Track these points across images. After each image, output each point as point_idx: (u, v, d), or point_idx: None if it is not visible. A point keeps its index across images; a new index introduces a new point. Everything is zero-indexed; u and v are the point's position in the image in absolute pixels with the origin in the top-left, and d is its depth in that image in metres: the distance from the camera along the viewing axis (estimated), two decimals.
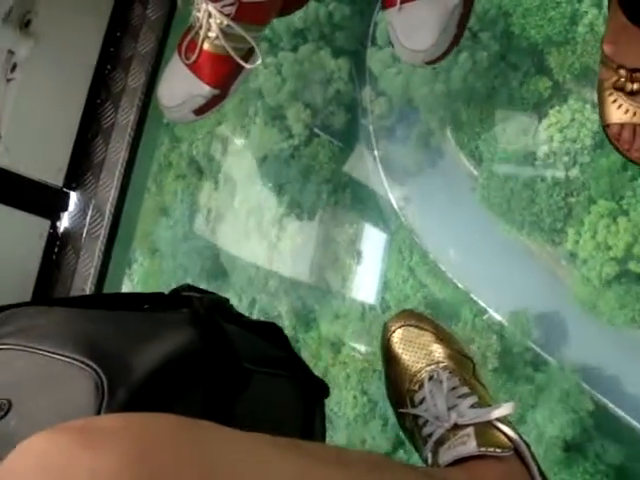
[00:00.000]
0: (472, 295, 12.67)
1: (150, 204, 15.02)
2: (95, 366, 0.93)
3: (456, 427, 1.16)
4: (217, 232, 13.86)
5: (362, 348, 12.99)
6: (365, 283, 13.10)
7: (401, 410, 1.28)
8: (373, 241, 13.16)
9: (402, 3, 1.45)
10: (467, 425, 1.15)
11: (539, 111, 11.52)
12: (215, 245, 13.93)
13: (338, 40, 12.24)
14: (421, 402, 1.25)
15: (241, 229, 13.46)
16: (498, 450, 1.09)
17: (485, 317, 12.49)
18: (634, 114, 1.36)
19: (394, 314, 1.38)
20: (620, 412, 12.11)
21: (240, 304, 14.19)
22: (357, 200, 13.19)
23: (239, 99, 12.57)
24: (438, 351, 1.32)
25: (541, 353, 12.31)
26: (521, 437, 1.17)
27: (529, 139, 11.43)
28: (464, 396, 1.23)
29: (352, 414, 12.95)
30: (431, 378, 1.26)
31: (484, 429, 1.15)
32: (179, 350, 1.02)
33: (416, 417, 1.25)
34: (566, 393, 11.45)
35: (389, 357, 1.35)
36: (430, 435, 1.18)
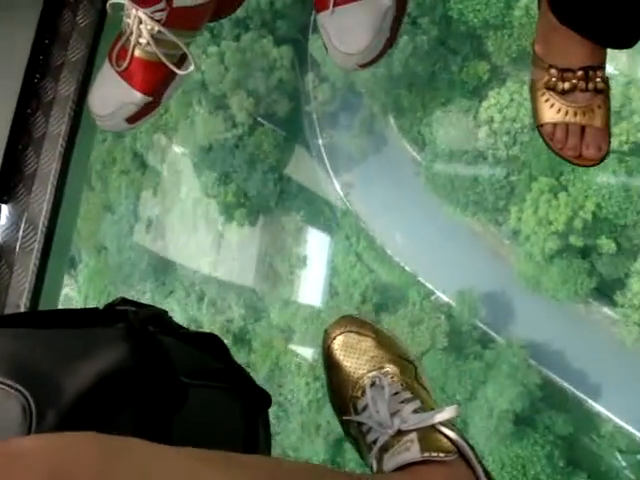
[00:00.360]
0: (419, 278, 12.87)
1: (95, 201, 14.91)
2: (22, 389, 0.90)
3: (400, 433, 1.15)
4: (164, 225, 13.80)
5: (312, 334, 13.07)
6: (313, 270, 13.18)
7: (345, 418, 1.27)
8: (320, 228, 13.26)
9: (335, 6, 1.43)
10: (410, 431, 1.15)
11: (479, 94, 11.78)
12: (162, 238, 13.87)
13: (280, 28, 12.33)
14: (364, 409, 1.24)
15: (188, 220, 13.44)
16: (442, 455, 1.09)
17: (433, 298, 12.70)
18: (566, 113, 1.37)
19: (334, 321, 1.36)
20: (566, 384, 12.44)
21: (188, 298, 14.17)
22: (303, 188, 13.29)
23: (181, 90, 12.53)
24: (380, 356, 1.31)
25: (488, 331, 12.57)
26: (465, 440, 1.17)
27: (470, 121, 11.67)
28: (406, 401, 1.22)
29: (305, 400, 13.02)
30: (373, 384, 1.25)
31: (427, 434, 1.15)
32: (111, 368, 0.99)
33: (360, 424, 1.24)
34: (514, 368, 11.70)
35: (331, 364, 1.33)
36: (374, 442, 1.18)
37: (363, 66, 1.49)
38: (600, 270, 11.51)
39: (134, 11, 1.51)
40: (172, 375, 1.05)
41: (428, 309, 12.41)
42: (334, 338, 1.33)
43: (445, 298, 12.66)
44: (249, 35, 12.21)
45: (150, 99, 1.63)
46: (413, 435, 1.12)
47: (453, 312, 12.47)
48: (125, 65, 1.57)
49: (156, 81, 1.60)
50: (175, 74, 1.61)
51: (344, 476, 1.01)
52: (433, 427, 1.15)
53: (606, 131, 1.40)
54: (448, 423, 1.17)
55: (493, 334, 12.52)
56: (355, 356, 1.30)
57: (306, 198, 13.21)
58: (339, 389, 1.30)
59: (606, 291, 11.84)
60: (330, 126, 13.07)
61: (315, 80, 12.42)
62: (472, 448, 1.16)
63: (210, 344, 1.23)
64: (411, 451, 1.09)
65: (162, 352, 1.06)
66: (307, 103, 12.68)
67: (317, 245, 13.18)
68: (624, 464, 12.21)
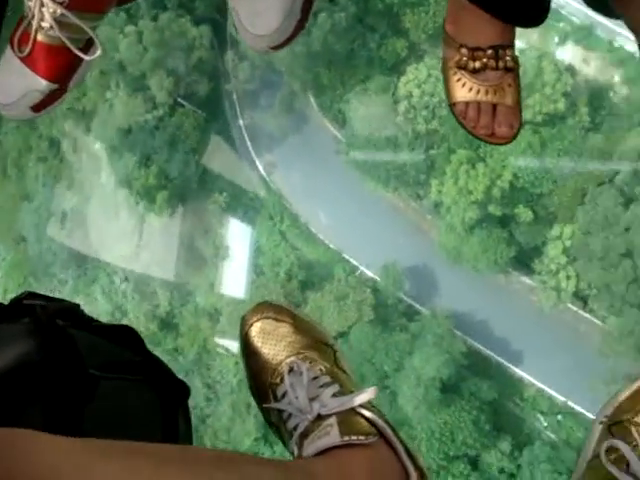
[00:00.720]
0: (344, 254, 13.02)
1: (11, 191, 14.55)
2: None
3: (319, 418, 1.13)
4: (84, 212, 13.57)
5: (239, 315, 13.07)
6: (238, 250, 13.20)
7: (265, 405, 1.24)
8: (243, 209, 13.28)
9: None
10: (330, 415, 1.12)
11: (397, 70, 12.00)
12: (83, 225, 13.65)
13: (198, 8, 12.30)
14: (283, 396, 1.21)
15: (109, 206, 13.26)
16: (362, 437, 1.08)
17: (357, 273, 12.87)
18: (478, 92, 1.37)
19: (251, 307, 1.33)
20: (490, 352, 12.80)
21: (112, 286, 13.97)
22: (225, 168, 13.27)
23: (99, 71, 12.39)
24: (298, 342, 1.29)
25: (413, 304, 12.81)
26: (386, 421, 1.15)
27: (389, 97, 11.88)
28: (325, 385, 1.19)
29: (235, 380, 13.05)
30: (291, 370, 1.23)
31: (347, 417, 1.13)
32: (15, 363, 0.98)
33: (280, 411, 1.21)
34: (440, 337, 11.97)
35: (249, 351, 1.29)
36: (295, 428, 1.16)
37: (275, 48, 1.47)
38: (518, 239, 11.88)
39: None
40: (80, 368, 1.04)
41: (354, 284, 12.57)
42: (251, 325, 1.30)
43: (370, 273, 12.85)
44: (167, 15, 12.13)
45: (55, 86, 1.53)
46: (332, 419, 1.11)
47: (378, 286, 12.66)
48: (28, 51, 1.47)
49: (61, 67, 1.50)
50: (82, 59, 1.51)
51: (262, 463, 1.01)
52: (353, 410, 1.13)
53: (517, 109, 1.40)
54: (368, 405, 1.16)
55: (418, 306, 12.78)
56: (273, 342, 1.29)
57: (228, 179, 13.20)
58: (258, 376, 1.27)
59: (524, 260, 12.23)
60: (251, 107, 13.09)
61: (235, 59, 12.44)
62: (393, 428, 1.15)
63: (125, 336, 1.21)
64: (331, 435, 1.08)
65: (70, 346, 1.05)
66: (227, 82, 12.68)
67: (241, 226, 13.19)
68: (545, 425, 12.68)
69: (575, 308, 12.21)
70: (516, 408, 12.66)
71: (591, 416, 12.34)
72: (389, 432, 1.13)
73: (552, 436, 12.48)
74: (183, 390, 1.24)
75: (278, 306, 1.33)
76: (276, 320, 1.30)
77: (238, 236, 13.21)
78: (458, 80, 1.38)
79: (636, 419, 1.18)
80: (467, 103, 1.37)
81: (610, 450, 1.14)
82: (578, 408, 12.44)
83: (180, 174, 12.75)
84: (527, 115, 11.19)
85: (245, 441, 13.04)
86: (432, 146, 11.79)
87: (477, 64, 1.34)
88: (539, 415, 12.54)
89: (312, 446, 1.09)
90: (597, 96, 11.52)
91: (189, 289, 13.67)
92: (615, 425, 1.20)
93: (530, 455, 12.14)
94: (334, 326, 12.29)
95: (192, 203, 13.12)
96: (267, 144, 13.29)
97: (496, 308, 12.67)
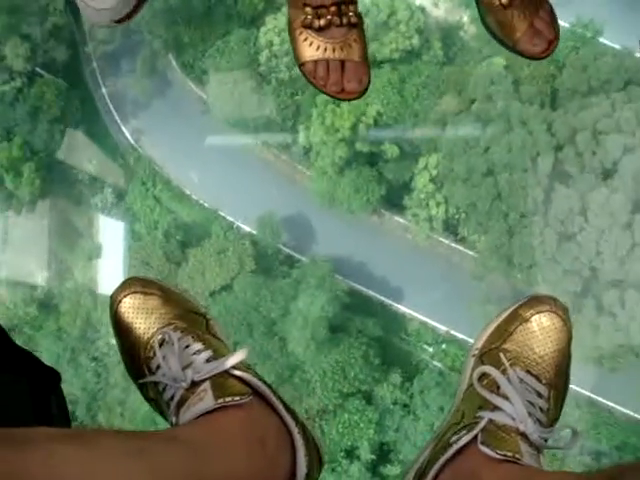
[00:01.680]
0: (220, 212, 13.12)
1: None
2: None
3: (194, 385, 1.13)
4: None
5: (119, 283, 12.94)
6: (113, 218, 13.07)
7: (140, 381, 1.23)
8: (114, 176, 13.16)
9: None
10: (203, 380, 1.13)
11: (256, 23, 12.21)
12: None
13: None
14: (157, 368, 1.20)
15: None
16: (236, 398, 1.08)
17: (235, 228, 12.99)
18: (325, 50, 1.37)
19: (118, 285, 1.30)
20: (371, 292, 13.20)
21: None
22: (92, 137, 13.10)
23: None
24: (168, 312, 1.28)
25: (292, 253, 13.06)
26: (261, 379, 1.17)
27: (250, 48, 12.08)
28: (198, 352, 1.19)
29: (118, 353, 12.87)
30: (162, 342, 1.21)
31: (221, 380, 1.14)
32: None
33: (156, 384, 1.20)
34: (322, 279, 12.24)
35: (120, 329, 1.27)
36: (171, 398, 1.15)
37: (118, 22, 1.44)
38: (387, 176, 12.33)
39: None
40: None
41: (232, 238, 12.68)
42: (120, 302, 1.28)
43: (247, 228, 12.99)
44: None
45: None
46: (206, 384, 1.12)
47: (257, 238, 12.82)
48: None
49: None
50: None
51: (146, 437, 0.99)
52: (226, 373, 1.14)
53: (364, 64, 1.41)
54: (242, 366, 1.16)
55: (297, 255, 13.02)
56: (143, 316, 1.27)
57: (96, 147, 13.05)
58: (131, 353, 1.26)
59: (395, 198, 12.68)
60: (112, 72, 13.00)
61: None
62: (268, 385, 1.17)
63: None
64: (205, 400, 1.09)
65: None
66: (85, 44, 12.55)
67: (113, 194, 13.05)
68: (432, 355, 13.18)
69: (447, 241, 12.79)
70: (402, 342, 13.10)
71: (472, 341, 12.96)
72: (265, 389, 1.15)
73: (438, 364, 12.98)
74: (53, 377, 1.24)
75: (145, 279, 1.33)
76: (144, 294, 1.29)
77: (111, 204, 13.07)
78: (305, 40, 1.38)
79: (504, 346, 1.24)
80: (315, 62, 1.38)
81: (482, 377, 1.20)
82: (460, 335, 12.98)
83: (45, 145, 12.51)
84: (385, 52, 11.70)
85: (141, 409, 12.87)
86: (297, 92, 12.06)
87: (322, 22, 1.34)
88: (425, 346, 13.01)
89: (188, 413, 1.10)
90: (448, 34, 12.14)
91: (66, 265, 13.40)
92: (485, 354, 1.26)
93: (420, 384, 12.57)
94: (217, 280, 12.37)
95: (60, 174, 12.88)
96: (132, 110, 13.22)
97: (373, 249, 13.08)
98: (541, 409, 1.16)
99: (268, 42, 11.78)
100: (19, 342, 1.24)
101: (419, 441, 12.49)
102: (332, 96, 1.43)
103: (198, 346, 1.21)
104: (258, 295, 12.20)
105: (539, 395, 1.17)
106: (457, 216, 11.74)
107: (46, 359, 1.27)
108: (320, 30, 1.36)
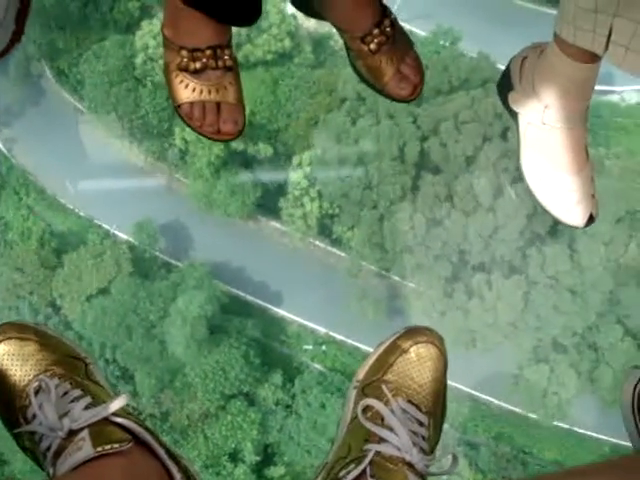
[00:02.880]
0: (95, 220, 13.04)
1: None
2: None
3: (72, 433, 1.10)
4: None
5: None
6: None
7: (15, 431, 1.19)
8: None
9: None
10: (82, 428, 1.10)
11: (132, 28, 12.44)
12: None
13: None
14: (34, 417, 1.16)
15: None
16: (116, 445, 1.06)
17: (112, 235, 12.93)
18: (201, 92, 1.40)
19: None
20: (250, 297, 13.32)
21: None
22: None
23: None
24: (45, 358, 1.23)
25: (170, 260, 13.08)
26: (142, 425, 1.16)
27: (126, 52, 12.27)
28: (76, 399, 1.16)
29: None
30: (39, 390, 1.18)
31: (100, 428, 1.11)
32: None
33: (32, 433, 1.16)
34: (200, 280, 12.30)
35: None
36: (48, 449, 1.12)
37: None
38: (262, 178, 12.62)
39: None
40: None
41: (109, 244, 12.61)
42: None
43: (124, 235, 12.96)
44: None
45: None
46: (84, 433, 1.09)
47: (134, 245, 12.79)
48: None
49: None
50: None
51: None
52: (106, 420, 1.12)
53: (240, 106, 1.45)
54: (123, 412, 1.15)
55: (175, 262, 13.05)
56: (19, 363, 1.23)
57: None
58: (6, 401, 1.22)
59: (271, 201, 12.93)
60: None
61: None
62: (151, 432, 1.16)
63: None
64: (83, 449, 1.06)
65: None
66: None
67: None
68: (312, 357, 13.34)
69: (323, 244, 13.15)
70: (282, 345, 13.23)
71: (351, 341, 13.24)
72: (145, 435, 1.13)
73: (318, 366, 13.16)
74: None
75: (21, 324, 1.27)
76: (20, 339, 1.25)
77: None
78: (181, 82, 1.40)
79: (384, 377, 1.26)
80: (192, 103, 1.40)
81: (366, 409, 1.21)
82: (339, 336, 13.25)
83: None
84: (258, 54, 12.12)
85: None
86: None
87: (197, 65, 1.38)
88: (304, 347, 13.18)
89: (66, 464, 1.07)
90: (319, 42, 12.72)
91: None
92: (367, 386, 1.26)
93: (301, 384, 12.70)
94: (94, 283, 12.23)
95: None
96: (5, 119, 13.11)
97: (250, 254, 13.26)
98: (423, 437, 1.18)
99: (144, 45, 12.00)
100: None
101: (303, 440, 12.56)
102: (208, 137, 1.44)
103: (76, 393, 1.18)
104: (136, 297, 12.11)
105: (420, 424, 1.19)
106: (331, 211, 12.09)
107: None
108: (196, 73, 1.39)
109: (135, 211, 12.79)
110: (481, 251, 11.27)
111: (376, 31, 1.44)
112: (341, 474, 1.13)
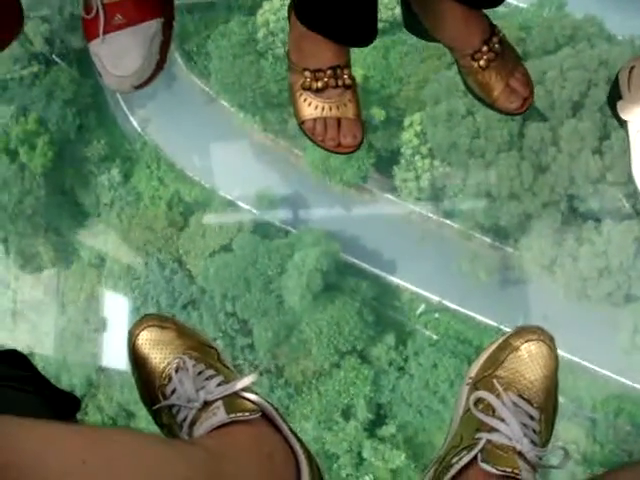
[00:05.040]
0: (220, 192, 13.89)
1: None
2: None
3: (206, 405, 1.21)
4: None
5: (123, 257, 13.50)
6: (118, 195, 13.80)
7: (155, 407, 1.31)
8: (121, 159, 14.02)
9: (105, 34, 1.52)
10: (216, 400, 1.22)
11: (255, 10, 13.46)
12: None
13: None
14: (172, 393, 1.28)
15: None
16: (247, 414, 1.17)
17: (235, 206, 13.71)
18: (322, 109, 1.48)
19: (135, 320, 1.39)
20: (364, 264, 13.71)
21: None
22: (101, 122, 14.09)
23: None
24: (183, 344, 1.36)
25: (288, 228, 13.69)
26: (267, 401, 1.26)
27: (250, 27, 13.26)
28: (210, 377, 1.28)
29: (126, 312, 13.25)
30: (178, 368, 1.30)
31: (232, 399, 1.22)
32: None
33: (170, 408, 1.27)
34: (317, 239, 12.82)
35: (137, 360, 1.36)
36: (185, 419, 1.22)
37: (137, 87, 1.57)
38: (376, 144, 13.15)
39: None
40: None
41: (231, 213, 13.38)
42: (137, 335, 1.37)
43: (245, 205, 13.71)
44: None
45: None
46: (219, 402, 1.20)
47: (255, 212, 13.52)
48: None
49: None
50: None
51: (152, 440, 1.05)
52: (236, 394, 1.23)
53: (358, 120, 1.53)
54: (249, 389, 1.25)
55: (292, 230, 13.65)
56: (160, 347, 1.35)
57: (105, 132, 14.00)
58: (147, 382, 1.34)
59: (384, 170, 13.45)
60: None
61: None
62: (276, 409, 1.25)
63: (13, 359, 1.31)
64: (218, 415, 1.16)
65: None
66: None
67: (120, 174, 13.86)
68: (425, 323, 13.47)
69: (435, 216, 13.50)
70: (395, 311, 13.46)
71: (464, 310, 13.33)
72: (271, 410, 1.22)
73: (431, 332, 13.30)
74: (74, 402, 1.33)
75: (162, 315, 1.40)
76: (161, 327, 1.37)
77: (118, 183, 13.84)
78: (304, 100, 1.50)
79: (496, 373, 1.30)
80: (314, 120, 1.50)
81: (478, 402, 1.26)
82: (452, 305, 13.40)
83: (59, 124, 13.45)
84: None
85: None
86: None
87: (319, 84, 1.47)
88: (418, 312, 13.37)
89: (201, 428, 1.16)
90: None
91: (73, 248, 14.00)
92: (479, 382, 1.31)
93: (414, 346, 12.87)
94: (217, 240, 12.97)
95: (71, 151, 13.73)
96: (140, 101, 14.26)
97: (364, 224, 13.70)
98: (534, 431, 1.21)
99: (265, 21, 12.92)
100: None
101: (415, 400, 12.63)
102: (330, 150, 1.53)
103: (210, 372, 1.30)
104: (256, 252, 12.72)
105: (531, 418, 1.23)
106: (441, 169, 12.46)
107: None
108: (318, 91, 1.48)
109: (256, 182, 13.55)
110: (589, 196, 11.36)
111: (485, 48, 1.52)
112: (453, 460, 1.20)
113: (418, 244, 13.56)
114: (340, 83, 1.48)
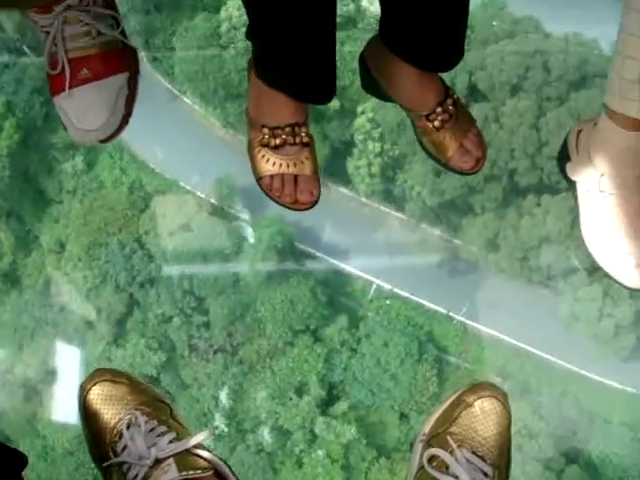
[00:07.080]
0: (180, 183, 14.35)
1: None
2: None
3: (158, 462, 1.20)
4: None
5: (83, 239, 13.75)
6: (81, 183, 14.18)
7: (105, 464, 1.28)
8: (87, 148, 14.38)
9: (70, 88, 1.53)
10: (168, 457, 1.21)
11: (218, 9, 14.20)
12: None
13: None
14: (123, 449, 1.26)
15: None
16: (199, 471, 1.15)
17: (194, 194, 14.16)
18: (280, 165, 1.51)
19: (88, 375, 1.38)
20: (318, 253, 14.13)
21: None
22: None
23: None
24: (135, 400, 1.35)
25: (244, 217, 14.13)
26: (220, 458, 1.24)
27: (213, 22, 13.97)
28: (162, 434, 1.27)
29: (84, 290, 13.42)
30: (130, 424, 1.28)
31: (184, 457, 1.21)
32: None
33: (120, 465, 1.24)
34: (272, 221, 13.25)
35: (87, 415, 1.33)
36: (135, 477, 1.20)
37: (103, 141, 1.58)
38: (330, 135, 13.77)
39: None
40: None
41: (191, 199, 13.84)
42: (89, 390, 1.34)
43: (202, 194, 14.14)
44: None
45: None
46: (170, 460, 1.20)
47: (213, 203, 13.96)
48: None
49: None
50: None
51: None
52: (189, 451, 1.23)
53: (315, 178, 1.56)
54: (201, 446, 1.25)
55: (248, 218, 14.08)
56: (111, 403, 1.32)
57: None
58: (98, 438, 1.31)
59: (338, 164, 14.03)
60: None
61: None
62: (229, 466, 1.25)
63: None
64: (169, 473, 1.16)
65: None
66: None
67: (84, 162, 14.27)
68: (376, 309, 13.82)
69: (386, 208, 14.08)
70: (348, 298, 13.83)
71: (413, 298, 13.73)
72: (225, 468, 1.23)
73: (378, 319, 13.68)
74: (20, 460, 1.32)
75: (114, 370, 1.39)
76: (113, 382, 1.36)
77: (80, 170, 14.23)
78: (262, 157, 1.52)
79: (450, 429, 1.30)
80: (272, 176, 1.52)
81: (432, 459, 1.26)
82: (404, 293, 13.83)
83: (25, 112, 13.90)
84: None
85: None
86: None
87: (277, 141, 1.49)
88: (369, 298, 13.76)
89: None
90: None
91: (33, 235, 14.25)
92: (433, 438, 1.32)
93: (366, 328, 13.23)
94: (176, 220, 13.36)
95: (36, 138, 14.12)
96: None
97: (319, 216, 14.13)
98: None
99: (228, 15, 13.64)
100: None
101: (367, 377, 12.91)
102: (286, 206, 1.56)
103: (162, 429, 1.29)
104: (213, 232, 13.12)
105: (485, 474, 1.22)
106: (391, 153, 13.08)
107: None
108: (276, 148, 1.51)
109: (215, 173, 14.02)
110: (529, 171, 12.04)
111: (439, 109, 1.55)
112: None
113: (370, 234, 14.05)
114: (298, 140, 1.52)
